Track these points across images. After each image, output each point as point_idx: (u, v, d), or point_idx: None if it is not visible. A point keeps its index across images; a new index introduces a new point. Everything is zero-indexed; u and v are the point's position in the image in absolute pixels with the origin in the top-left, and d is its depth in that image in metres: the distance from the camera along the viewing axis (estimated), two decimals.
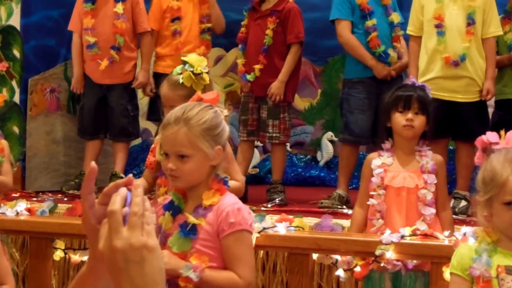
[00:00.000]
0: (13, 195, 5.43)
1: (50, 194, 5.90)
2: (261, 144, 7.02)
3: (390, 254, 3.29)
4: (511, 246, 2.62)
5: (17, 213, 3.83)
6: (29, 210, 3.88)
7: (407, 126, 3.81)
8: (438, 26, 5.10)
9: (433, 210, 3.75)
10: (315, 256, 3.51)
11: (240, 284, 2.70)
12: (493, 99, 5.40)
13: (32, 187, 6.20)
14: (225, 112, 2.87)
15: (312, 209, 5.15)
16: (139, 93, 6.71)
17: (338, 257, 3.54)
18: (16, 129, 6.00)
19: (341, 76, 6.53)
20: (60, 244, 3.86)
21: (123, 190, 1.33)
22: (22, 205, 3.89)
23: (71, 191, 5.93)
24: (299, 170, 7.10)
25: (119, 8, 5.96)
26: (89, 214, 1.41)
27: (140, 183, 1.34)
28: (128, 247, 1.27)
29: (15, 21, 6.00)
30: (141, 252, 1.28)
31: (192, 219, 2.72)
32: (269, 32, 5.64)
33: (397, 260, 3.44)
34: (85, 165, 6.08)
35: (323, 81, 7.41)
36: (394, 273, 3.61)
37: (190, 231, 2.72)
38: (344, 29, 5.51)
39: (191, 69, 3.63)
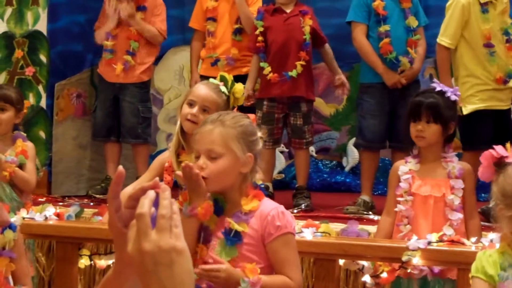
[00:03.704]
0: (40, 199, 5.46)
1: (76, 199, 5.91)
2: (287, 150, 6.99)
3: (417, 260, 3.28)
4: None
5: (46, 218, 3.85)
6: (58, 215, 3.90)
7: (418, 137, 3.78)
8: (488, 45, 5.02)
9: (460, 215, 3.70)
10: (341, 262, 3.50)
11: (293, 286, 2.73)
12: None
13: (58, 192, 6.21)
14: (259, 133, 2.86)
15: (338, 215, 5.14)
16: (166, 97, 6.71)
17: (364, 263, 3.53)
18: (42, 134, 6.01)
19: None
20: (86, 251, 3.87)
21: (151, 193, 1.33)
22: (51, 210, 3.91)
23: (97, 196, 5.93)
24: (325, 175, 7.07)
25: (139, 14, 5.98)
26: (115, 218, 1.42)
27: (167, 186, 1.33)
28: (157, 250, 1.27)
29: (42, 26, 6.01)
30: (170, 255, 1.27)
31: (235, 226, 2.74)
32: (307, 28, 5.61)
33: (423, 266, 3.42)
34: (108, 169, 6.11)
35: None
36: (421, 280, 3.58)
37: (234, 237, 2.74)
38: (358, 33, 5.48)
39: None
